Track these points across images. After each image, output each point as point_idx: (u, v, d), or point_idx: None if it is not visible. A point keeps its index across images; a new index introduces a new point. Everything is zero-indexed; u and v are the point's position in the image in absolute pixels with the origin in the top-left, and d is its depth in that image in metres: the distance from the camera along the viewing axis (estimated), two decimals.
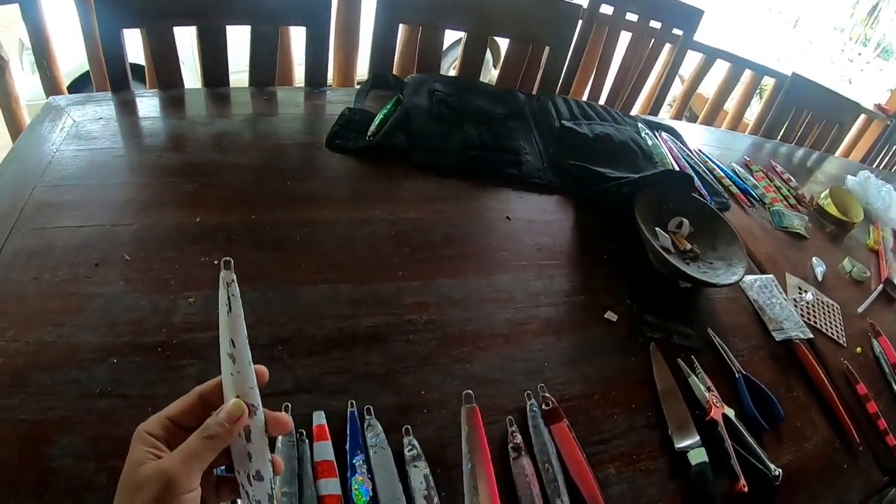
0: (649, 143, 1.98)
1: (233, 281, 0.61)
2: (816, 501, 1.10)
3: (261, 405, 0.59)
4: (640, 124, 2.11)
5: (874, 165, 3.91)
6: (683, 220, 1.54)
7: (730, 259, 1.47)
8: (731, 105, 3.62)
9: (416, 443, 0.90)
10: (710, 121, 3.50)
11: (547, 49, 2.13)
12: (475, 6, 1.99)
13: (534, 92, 2.20)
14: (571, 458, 0.97)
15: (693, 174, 1.93)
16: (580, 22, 2.47)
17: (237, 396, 0.58)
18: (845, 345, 1.52)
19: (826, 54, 8.96)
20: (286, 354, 0.99)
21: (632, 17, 2.67)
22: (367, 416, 0.92)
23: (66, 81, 2.41)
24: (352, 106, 1.65)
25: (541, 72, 2.18)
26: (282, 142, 1.51)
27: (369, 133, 1.53)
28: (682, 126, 2.38)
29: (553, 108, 1.92)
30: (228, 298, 0.61)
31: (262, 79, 1.76)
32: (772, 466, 1.06)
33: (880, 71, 8.75)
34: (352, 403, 0.93)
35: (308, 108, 1.69)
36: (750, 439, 1.10)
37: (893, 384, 1.47)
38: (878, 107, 4.62)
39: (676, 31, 2.72)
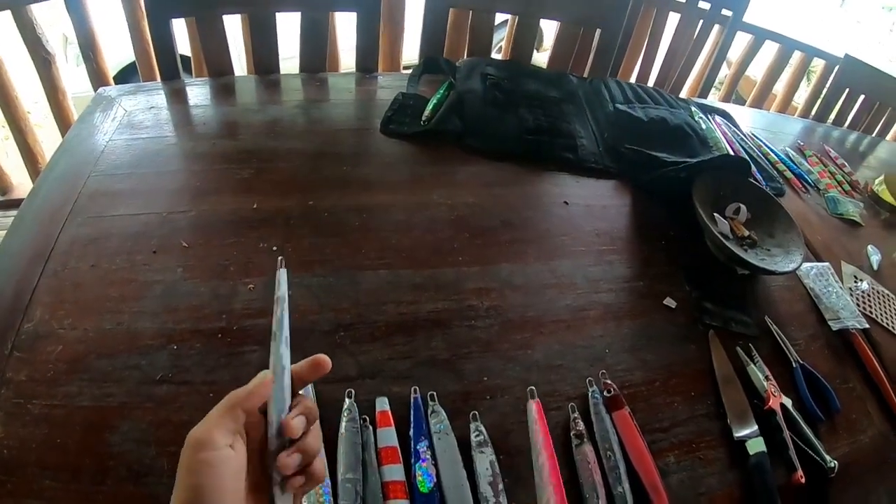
0: (703, 126, 1.93)
1: (282, 298, 0.63)
2: (869, 496, 1.08)
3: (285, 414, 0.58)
4: (693, 108, 2.05)
5: None
6: (741, 205, 1.51)
7: (787, 246, 1.44)
8: (779, 88, 3.55)
9: (482, 428, 0.89)
10: (758, 104, 3.43)
11: (598, 31, 2.09)
12: None
13: (585, 75, 2.16)
14: (633, 445, 0.96)
15: (748, 159, 1.90)
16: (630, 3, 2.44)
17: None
18: None
19: (874, 34, 8.75)
20: (348, 340, 0.99)
21: None
22: (430, 403, 0.92)
23: (111, 74, 2.45)
24: (405, 91, 1.65)
25: (592, 54, 2.15)
26: (335, 127, 1.51)
27: (424, 117, 1.53)
28: (732, 109, 2.33)
29: (606, 91, 1.89)
30: (280, 312, 0.63)
31: (312, 65, 1.76)
32: (828, 458, 1.05)
33: None
34: (415, 390, 0.93)
35: (360, 93, 1.69)
36: (807, 430, 1.09)
37: None
38: None
39: (726, 12, 2.68)
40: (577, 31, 2.13)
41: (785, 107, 3.48)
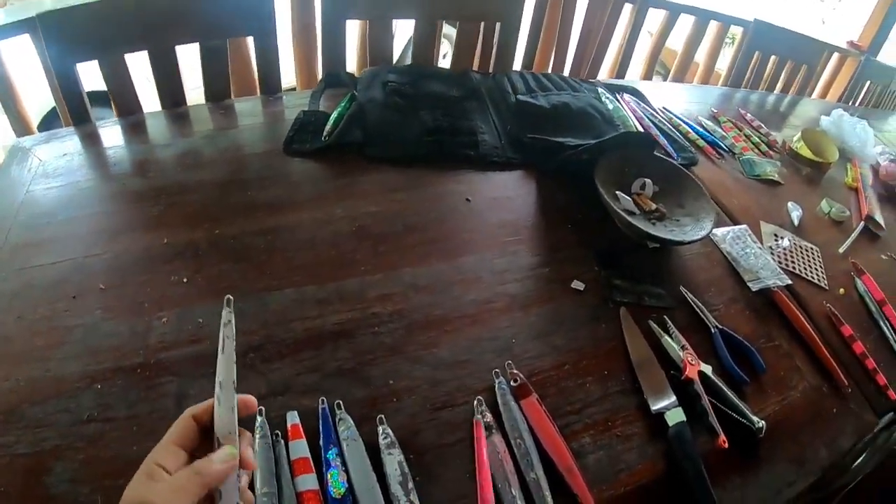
0: (610, 106, 1.99)
1: (229, 322, 0.66)
2: (805, 449, 1.11)
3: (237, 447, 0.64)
4: (600, 89, 2.12)
5: (853, 104, 3.90)
6: (646, 180, 1.56)
7: (697, 214, 1.49)
8: (700, 57, 3.64)
9: (389, 431, 0.93)
10: (681, 75, 3.52)
11: (498, 25, 2.14)
12: None
13: (490, 70, 2.21)
14: (543, 430, 0.99)
15: (658, 132, 1.96)
16: None
17: (217, 435, 0.64)
18: (827, 287, 1.54)
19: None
20: (258, 360, 1.02)
21: None
22: (337, 411, 0.96)
23: (37, 118, 2.45)
24: (306, 108, 1.68)
25: (494, 49, 2.19)
26: (241, 153, 1.54)
27: (325, 133, 1.56)
28: (648, 85, 2.40)
29: (509, 84, 1.94)
30: (223, 339, 0.66)
31: (217, 93, 1.79)
32: (755, 419, 1.07)
33: (853, 7, 8.63)
34: (322, 400, 0.97)
35: (266, 115, 1.72)
36: (730, 394, 1.12)
37: (881, 322, 1.49)
38: (851, 44, 4.59)
39: None
40: (476, 28, 2.18)
41: (708, 75, 3.59)
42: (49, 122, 3.19)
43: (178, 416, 0.68)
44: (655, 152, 1.67)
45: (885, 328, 1.48)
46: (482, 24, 2.21)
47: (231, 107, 1.74)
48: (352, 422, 0.94)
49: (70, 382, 0.97)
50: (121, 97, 1.67)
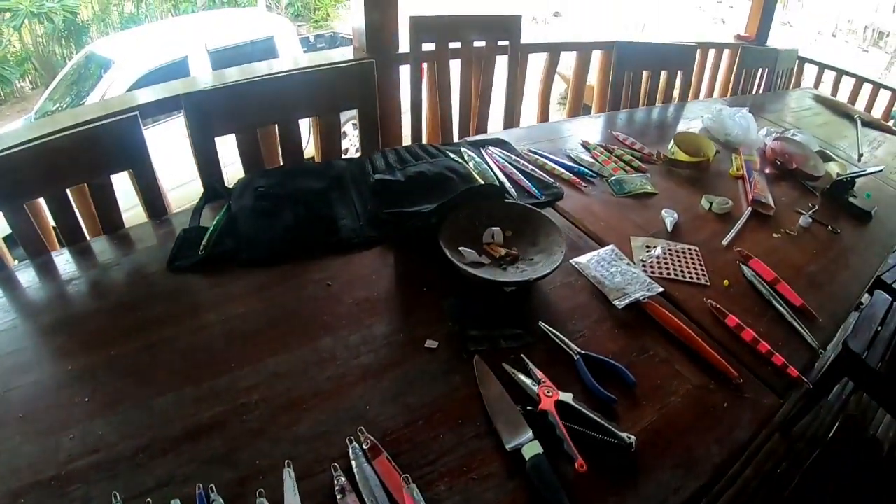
0: (470, 164, 2.11)
1: None
2: (695, 450, 1.20)
3: None
4: (463, 148, 2.25)
5: (749, 93, 4.14)
6: (494, 229, 1.66)
7: (550, 249, 1.57)
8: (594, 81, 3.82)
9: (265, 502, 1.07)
10: (577, 103, 3.75)
11: (356, 111, 2.30)
12: (274, 100, 2.16)
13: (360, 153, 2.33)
14: (394, 485, 1.08)
15: (521, 176, 2.12)
16: (409, 67, 2.65)
17: None
18: (709, 284, 1.63)
19: (695, 4, 9.13)
20: (146, 458, 1.16)
21: (455, 45, 2.82)
22: (211, 494, 1.08)
23: None
24: (186, 227, 1.80)
25: (358, 133, 2.34)
26: (133, 277, 1.66)
27: (201, 247, 1.66)
28: (520, 132, 2.62)
29: (370, 165, 2.06)
30: None
31: (111, 225, 1.93)
32: (623, 436, 1.15)
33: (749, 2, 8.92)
34: (199, 486, 1.08)
35: (157, 237, 1.83)
36: (592, 415, 1.19)
37: (774, 301, 1.58)
38: (739, 37, 4.85)
39: (503, 43, 2.90)
40: (336, 119, 2.33)
41: (603, 99, 3.69)
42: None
43: None
44: (507, 198, 1.80)
45: (779, 306, 1.58)
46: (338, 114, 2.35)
47: (125, 235, 1.88)
48: (223, 501, 1.07)
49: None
50: (27, 241, 1.80)
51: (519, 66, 3.10)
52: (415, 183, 1.93)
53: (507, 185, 2.08)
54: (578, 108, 3.85)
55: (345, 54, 3.16)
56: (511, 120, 3.24)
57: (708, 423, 1.25)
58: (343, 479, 1.10)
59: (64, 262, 1.77)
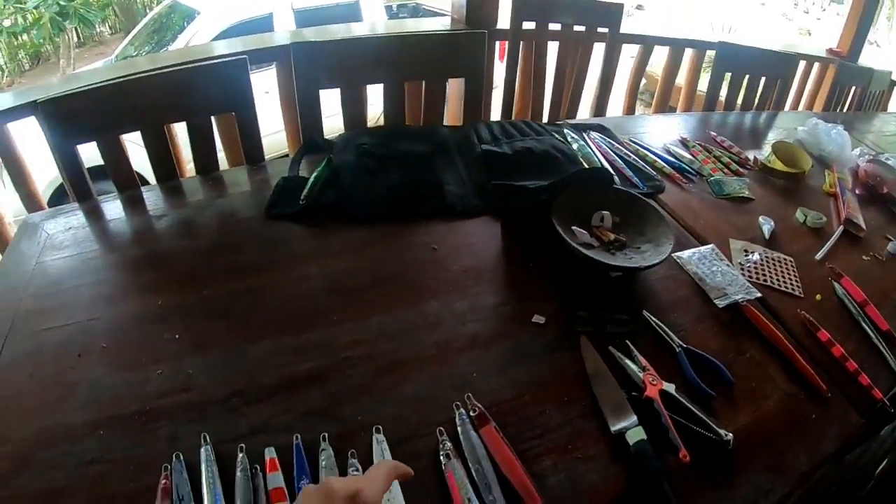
0: (574, 146, 2.07)
1: None
2: (784, 457, 1.14)
3: None
4: (566, 130, 2.20)
5: (841, 110, 3.93)
6: (604, 213, 1.61)
7: (658, 240, 1.53)
8: (682, 81, 3.73)
9: (358, 464, 1.02)
10: (664, 101, 3.63)
11: (462, 80, 2.24)
12: (384, 58, 2.11)
13: (461, 122, 2.30)
14: (501, 455, 1.03)
15: (624, 165, 2.04)
16: (498, 44, 2.60)
17: None
18: (802, 296, 1.56)
19: (780, 12, 8.97)
20: (240, 404, 1.12)
21: (555, 26, 2.76)
22: (322, 443, 1.04)
23: (49, 191, 2.56)
24: (286, 175, 1.79)
25: (462, 103, 2.28)
26: (228, 220, 1.64)
27: (302, 197, 1.65)
28: (620, 121, 2.51)
29: (475, 135, 2.03)
30: None
31: (206, 166, 1.90)
32: (722, 432, 1.10)
33: (838, 16, 8.69)
34: (297, 437, 1.04)
35: (252, 184, 1.82)
36: (695, 409, 1.14)
37: (862, 322, 1.50)
38: (831, 51, 4.68)
39: (602, 30, 2.82)
40: (443, 86, 2.27)
41: (690, 99, 3.66)
42: (60, 195, 3.34)
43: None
44: (615, 185, 1.74)
45: (867, 328, 1.50)
46: (448, 80, 2.32)
47: (220, 178, 1.86)
48: (332, 452, 1.03)
49: (76, 430, 1.07)
50: (118, 174, 1.78)
51: (615, 56, 3.03)
52: (521, 158, 1.90)
53: (611, 172, 1.98)
54: (664, 105, 3.75)
55: (444, 25, 3.15)
56: (601, 109, 3.18)
57: (797, 431, 1.20)
58: (449, 444, 1.06)
59: (154, 197, 1.76)
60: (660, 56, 3.64)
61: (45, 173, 2.46)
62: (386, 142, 1.95)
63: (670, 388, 1.19)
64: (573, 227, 1.55)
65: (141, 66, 2.36)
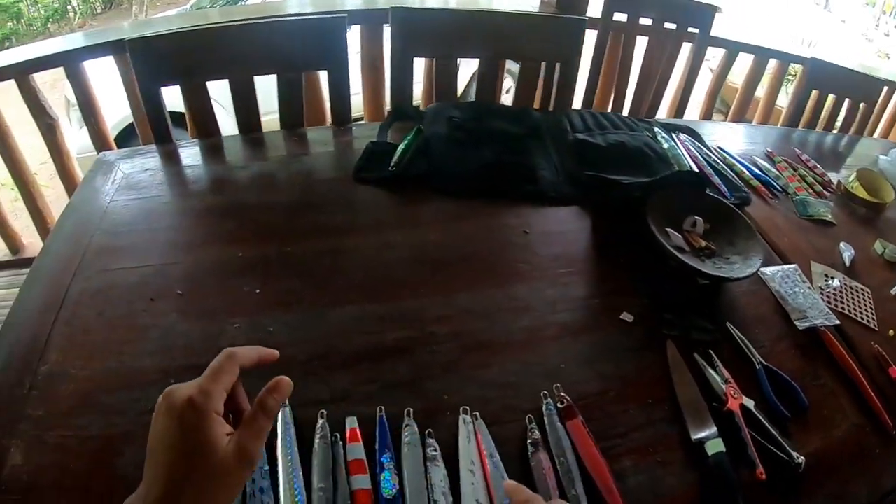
0: (665, 146, 2.00)
1: None
2: (846, 487, 1.10)
3: None
4: (656, 128, 2.13)
5: None
6: (697, 218, 1.56)
7: (747, 253, 1.48)
8: (761, 94, 3.61)
9: (436, 444, 0.97)
10: (741, 112, 3.51)
11: (557, 65, 2.18)
12: (483, 33, 2.06)
13: (551, 108, 2.25)
14: (586, 451, 1.00)
15: (712, 172, 1.96)
16: (595, 33, 2.53)
17: None
18: (877, 329, 1.49)
19: (860, 32, 8.75)
20: (321, 368, 1.08)
21: (646, 21, 2.70)
22: (406, 418, 1.00)
23: (112, 133, 2.56)
24: (375, 139, 1.75)
25: (554, 89, 2.23)
26: (312, 178, 1.61)
27: (392, 163, 1.61)
28: (704, 125, 2.39)
29: (567, 122, 1.97)
30: None
31: (291, 121, 1.86)
32: (794, 455, 1.06)
33: None
34: (381, 409, 1.01)
35: (336, 144, 1.78)
36: (771, 428, 1.11)
37: None
38: None
39: (692, 30, 2.73)
40: (537, 68, 2.22)
41: (768, 113, 3.54)
42: (122, 139, 3.34)
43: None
44: (707, 191, 1.67)
45: None
46: (543, 64, 2.26)
47: (304, 135, 1.82)
48: (416, 429, 0.99)
49: (144, 376, 1.04)
50: (200, 120, 1.76)
51: (701, 58, 2.92)
52: (614, 151, 1.84)
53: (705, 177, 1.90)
54: (741, 115, 3.61)
55: (532, 7, 3.05)
56: (680, 111, 3.09)
57: (862, 464, 1.15)
58: (537, 433, 1.02)
59: (235, 147, 1.73)
60: (739, 64, 3.52)
61: (109, 115, 2.43)
62: (477, 117, 1.88)
63: (750, 403, 1.15)
64: (667, 229, 1.50)
65: (213, 19, 2.31)
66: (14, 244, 2.99)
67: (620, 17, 2.67)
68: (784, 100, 3.54)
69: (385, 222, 1.49)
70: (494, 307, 1.28)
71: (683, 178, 1.66)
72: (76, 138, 3.06)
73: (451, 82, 2.12)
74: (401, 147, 1.68)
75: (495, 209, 1.59)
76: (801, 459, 1.06)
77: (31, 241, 3.06)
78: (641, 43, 2.81)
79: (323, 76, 2.07)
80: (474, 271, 1.37)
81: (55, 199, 2.86)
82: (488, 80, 2.16)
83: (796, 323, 1.41)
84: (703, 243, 1.52)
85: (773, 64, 3.43)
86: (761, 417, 1.13)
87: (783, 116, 3.11)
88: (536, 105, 2.35)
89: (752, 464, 1.04)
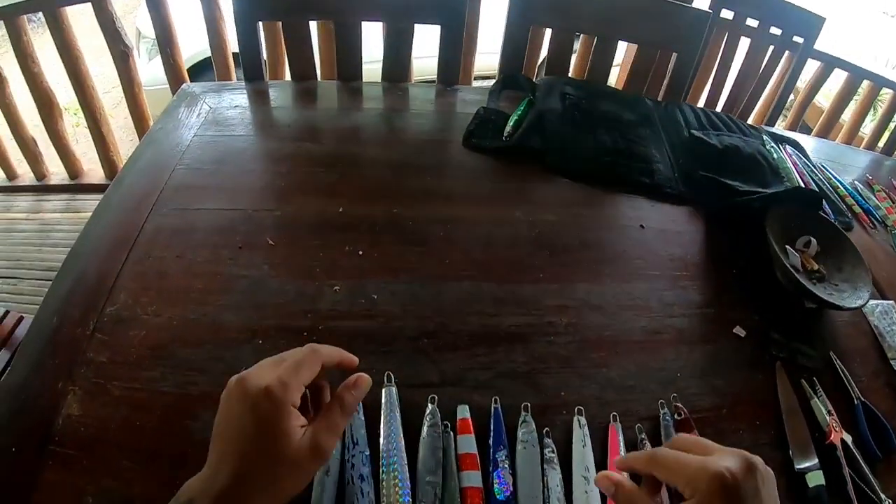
0: (775, 156, 1.92)
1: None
2: None
3: None
4: (764, 136, 2.04)
5: None
6: (812, 239, 1.49)
7: (855, 282, 1.42)
8: (846, 117, 3.49)
9: (553, 445, 0.90)
10: (824, 133, 3.39)
11: (674, 55, 2.09)
12: (605, 9, 1.96)
13: (659, 98, 2.15)
14: None
15: (819, 192, 1.87)
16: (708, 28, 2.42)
17: None
18: None
19: None
20: (431, 347, 1.00)
21: (752, 22, 2.61)
22: (523, 413, 0.93)
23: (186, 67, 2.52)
24: (485, 105, 1.67)
25: (668, 78, 2.14)
26: (417, 137, 1.53)
27: (506, 133, 1.54)
28: (804, 139, 2.30)
29: (681, 116, 1.89)
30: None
31: (395, 74, 1.78)
32: (883, 497, 1.03)
33: None
34: (496, 400, 0.94)
35: (440, 105, 1.70)
36: (865, 467, 1.07)
37: None
38: None
39: (797, 39, 2.64)
40: (653, 54, 2.13)
41: (851, 137, 3.44)
42: (196, 73, 3.32)
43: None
44: (820, 212, 1.60)
45: None
46: (659, 51, 2.16)
47: (406, 90, 1.73)
48: (534, 426, 0.91)
49: (229, 332, 0.97)
50: (298, 61, 1.68)
51: (801, 69, 2.77)
52: (728, 154, 1.74)
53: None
54: (825, 134, 3.46)
55: None
56: (772, 120, 2.93)
57: None
58: (648, 444, 0.97)
59: (332, 93, 1.66)
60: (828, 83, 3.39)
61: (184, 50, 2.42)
62: (590, 97, 1.80)
63: (848, 438, 1.12)
64: (787, 247, 1.44)
65: None
66: (74, 169, 2.98)
67: (727, 13, 2.59)
68: (867, 126, 3.43)
69: (499, 196, 1.40)
70: (614, 303, 1.21)
71: (804, 196, 1.59)
72: (143, 71, 3.04)
73: (566, 57, 2.04)
74: (513, 117, 1.60)
75: (611, 197, 1.52)
76: (888, 502, 1.03)
77: (91, 168, 3.06)
78: (743, 43, 2.71)
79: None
80: (593, 262, 1.29)
81: (116, 128, 2.89)
82: (604, 59, 2.07)
83: (892, 362, 1.37)
84: (816, 266, 1.46)
85: (864, 86, 3.30)
86: (857, 455, 1.09)
87: (866, 141, 3.08)
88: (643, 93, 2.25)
89: (849, 501, 1.01)
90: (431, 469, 0.83)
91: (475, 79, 2.70)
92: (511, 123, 1.57)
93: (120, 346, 0.93)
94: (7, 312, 1.54)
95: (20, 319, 1.54)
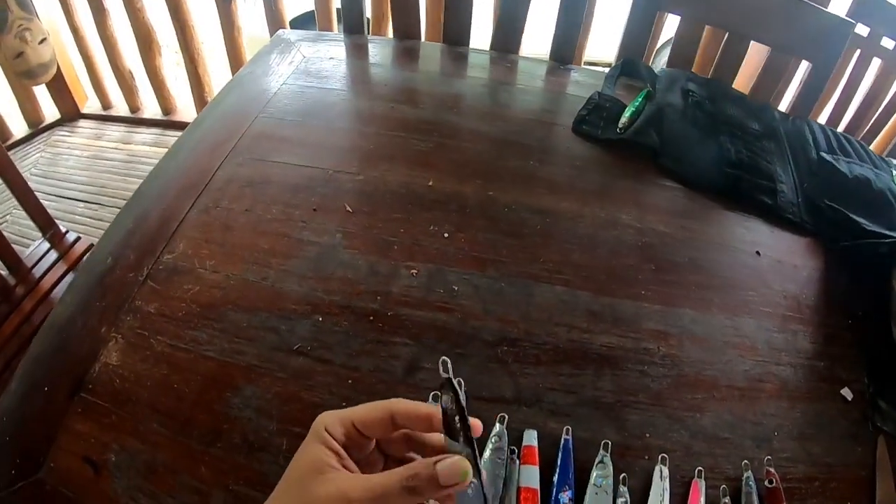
0: None
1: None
2: None
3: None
4: (894, 171, 1.83)
5: None
6: None
7: None
8: None
9: (627, 496, 0.81)
10: None
11: (808, 65, 1.91)
12: (741, 3, 1.82)
13: (783, 109, 1.99)
14: None
15: None
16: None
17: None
18: None
19: None
20: (510, 357, 0.91)
21: (887, 43, 2.44)
22: (602, 452, 0.84)
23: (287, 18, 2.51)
24: (600, 90, 1.55)
25: (798, 89, 1.97)
26: (523, 115, 1.42)
27: (620, 125, 1.43)
28: None
29: (810, 134, 1.71)
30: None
31: (506, 45, 1.67)
32: None
33: None
34: (567, 430, 0.84)
35: (550, 83, 1.59)
36: None
37: None
38: None
39: None
40: (787, 60, 1.97)
41: None
42: (297, 25, 3.34)
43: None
44: None
45: None
46: (791, 58, 2.01)
47: (516, 63, 1.62)
48: (612, 469, 0.82)
49: (288, 302, 0.90)
50: (402, 18, 1.60)
51: None
52: (858, 186, 1.55)
53: None
54: None
55: None
56: (894, 153, 2.78)
57: None
58: None
59: (434, 56, 1.58)
60: None
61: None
62: (713, 97, 1.66)
63: None
64: None
65: None
66: (167, 105, 3.02)
67: (862, 29, 2.41)
68: None
69: (607, 193, 1.27)
70: (720, 338, 1.07)
71: None
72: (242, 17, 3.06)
73: (692, 49, 1.92)
74: (629, 108, 1.49)
75: (727, 214, 1.36)
76: None
77: (185, 106, 3.10)
78: (874, 64, 2.56)
79: None
80: (702, 286, 1.15)
81: (215, 71, 2.91)
82: (730, 58, 1.90)
83: None
84: None
85: None
86: None
87: None
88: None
89: None
90: (491, 497, 0.72)
91: (585, 63, 2.57)
92: (627, 114, 1.46)
93: (171, 298, 0.88)
94: (78, 238, 1.54)
95: (90, 247, 1.52)
